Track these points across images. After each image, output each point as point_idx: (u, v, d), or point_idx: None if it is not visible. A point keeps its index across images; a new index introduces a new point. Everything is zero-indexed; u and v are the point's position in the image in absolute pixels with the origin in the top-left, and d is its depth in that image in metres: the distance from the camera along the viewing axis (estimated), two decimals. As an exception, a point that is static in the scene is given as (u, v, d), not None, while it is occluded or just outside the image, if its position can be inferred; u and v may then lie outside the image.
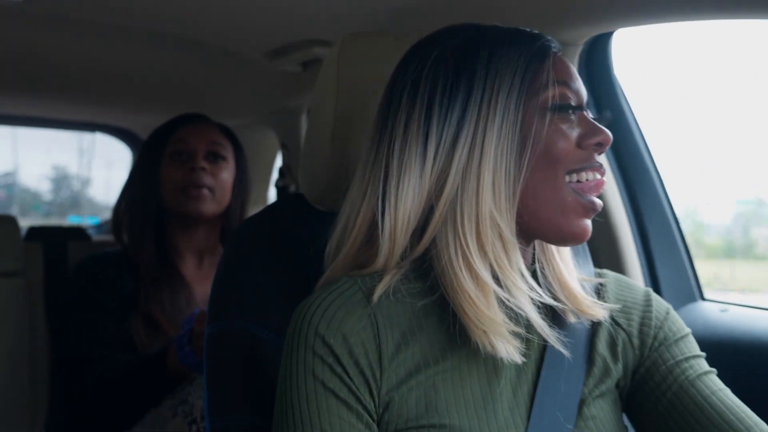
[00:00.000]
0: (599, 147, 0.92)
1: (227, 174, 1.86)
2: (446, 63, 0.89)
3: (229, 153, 1.88)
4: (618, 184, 1.46)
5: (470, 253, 0.85)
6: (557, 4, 1.27)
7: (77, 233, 2.13)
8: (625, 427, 0.98)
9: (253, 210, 2.46)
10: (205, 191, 1.80)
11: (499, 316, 0.85)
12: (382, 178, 0.89)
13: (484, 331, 0.84)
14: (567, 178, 0.90)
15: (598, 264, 1.47)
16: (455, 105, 0.87)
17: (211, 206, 1.81)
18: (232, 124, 2.23)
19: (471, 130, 0.86)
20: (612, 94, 1.48)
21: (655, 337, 0.97)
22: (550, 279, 0.95)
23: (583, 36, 1.36)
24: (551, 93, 0.89)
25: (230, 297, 1.06)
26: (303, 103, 2.18)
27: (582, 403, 0.93)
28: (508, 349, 0.85)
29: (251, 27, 1.69)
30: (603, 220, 1.43)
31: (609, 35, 1.42)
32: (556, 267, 0.96)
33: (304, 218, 1.10)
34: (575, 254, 1.03)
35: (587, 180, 0.91)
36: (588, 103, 0.96)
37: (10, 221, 1.92)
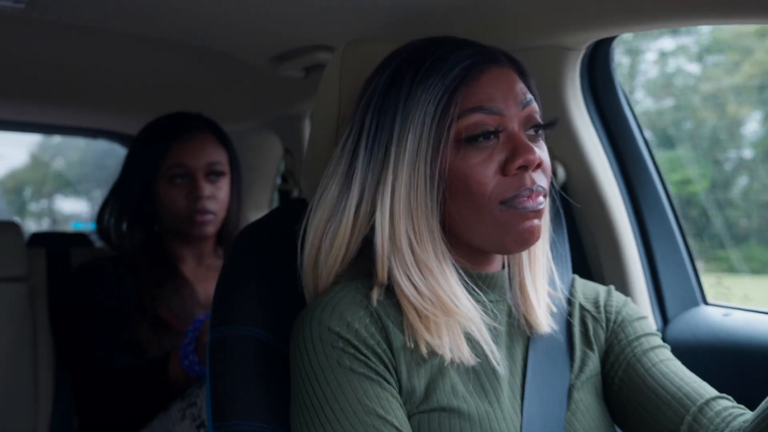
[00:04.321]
0: (524, 170, 0.92)
1: (226, 189, 1.83)
2: (374, 104, 0.95)
3: (226, 165, 1.84)
4: (620, 189, 1.45)
5: (412, 275, 0.92)
6: (558, 10, 1.27)
7: (80, 239, 2.14)
8: (608, 414, 1.03)
9: (255, 215, 2.46)
10: (210, 216, 1.78)
11: (443, 331, 0.91)
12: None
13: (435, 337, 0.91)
14: (500, 208, 0.92)
15: (600, 269, 1.47)
16: (378, 147, 0.93)
17: (213, 228, 1.81)
18: (236, 129, 2.24)
19: (390, 170, 0.92)
20: (614, 100, 1.48)
21: (615, 321, 1.05)
22: (513, 285, 1.01)
23: (585, 41, 1.36)
24: (461, 125, 0.92)
25: (232, 303, 1.06)
26: (306, 108, 2.18)
27: (571, 389, 0.99)
28: (454, 351, 0.91)
29: (254, 33, 1.70)
30: (605, 226, 1.42)
31: (610, 40, 1.42)
32: (519, 274, 1.01)
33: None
34: (556, 261, 1.08)
35: (523, 208, 0.92)
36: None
37: (13, 227, 1.92)
